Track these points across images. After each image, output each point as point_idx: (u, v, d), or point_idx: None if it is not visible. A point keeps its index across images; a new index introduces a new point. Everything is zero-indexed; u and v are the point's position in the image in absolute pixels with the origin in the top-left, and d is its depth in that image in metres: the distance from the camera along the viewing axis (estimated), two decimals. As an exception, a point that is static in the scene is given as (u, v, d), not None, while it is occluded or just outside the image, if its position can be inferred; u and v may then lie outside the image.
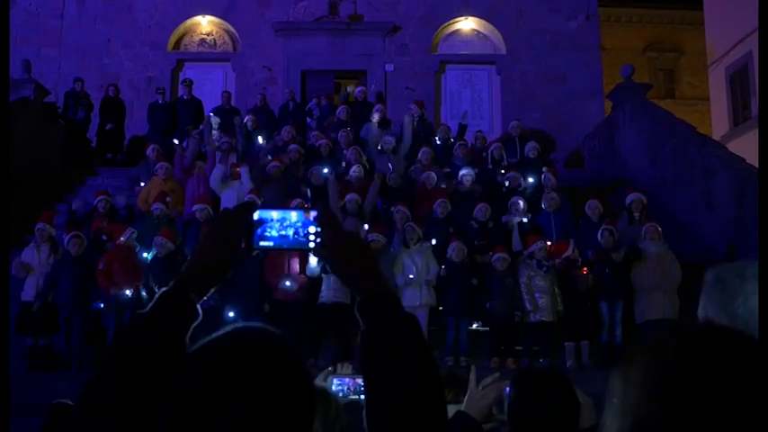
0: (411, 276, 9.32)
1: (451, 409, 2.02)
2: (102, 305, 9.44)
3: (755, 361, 0.95)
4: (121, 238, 9.65)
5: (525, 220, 10.61)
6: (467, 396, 2.45)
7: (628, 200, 10.66)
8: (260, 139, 13.14)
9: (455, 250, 9.45)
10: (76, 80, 15.51)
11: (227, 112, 14.76)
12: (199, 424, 1.08)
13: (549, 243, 9.72)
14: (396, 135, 13.25)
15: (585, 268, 9.47)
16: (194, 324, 1.32)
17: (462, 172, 11.66)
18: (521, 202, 10.75)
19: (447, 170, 12.44)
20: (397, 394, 1.24)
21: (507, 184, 11.65)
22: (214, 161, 11.91)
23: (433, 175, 11.53)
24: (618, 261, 9.36)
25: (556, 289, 9.39)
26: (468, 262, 9.57)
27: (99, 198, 10.96)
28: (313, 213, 1.44)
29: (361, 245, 1.44)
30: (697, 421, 0.92)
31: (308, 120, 14.97)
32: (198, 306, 1.33)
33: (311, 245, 1.44)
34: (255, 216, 1.43)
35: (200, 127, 13.83)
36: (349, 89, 15.75)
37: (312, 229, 1.43)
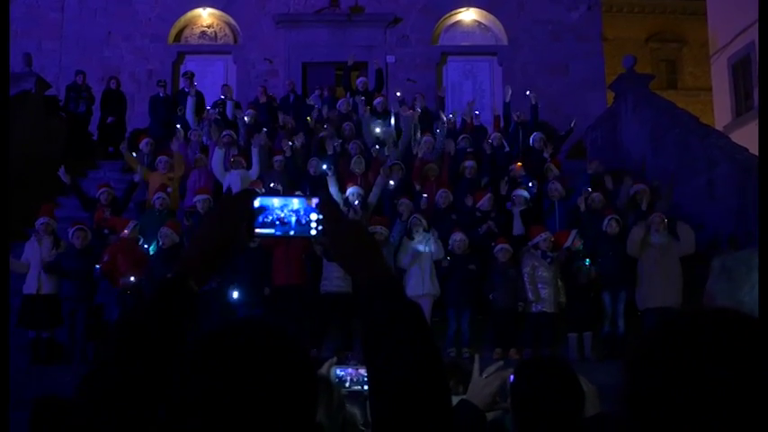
0: (420, 247, 9.40)
1: (453, 400, 2.01)
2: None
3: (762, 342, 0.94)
4: (125, 231, 9.64)
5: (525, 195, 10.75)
6: (470, 384, 2.44)
7: (632, 190, 10.66)
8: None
9: (457, 242, 9.46)
10: (78, 73, 15.47)
11: (225, 106, 14.73)
12: (200, 414, 1.07)
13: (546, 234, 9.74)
14: (394, 127, 13.29)
15: (588, 259, 9.46)
16: (194, 311, 1.30)
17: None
18: (523, 194, 10.78)
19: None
20: (400, 382, 1.22)
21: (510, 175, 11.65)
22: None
23: (435, 167, 11.60)
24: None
25: (559, 281, 9.38)
26: (470, 253, 9.57)
27: (101, 190, 10.93)
28: (315, 200, 1.42)
29: (363, 232, 1.42)
30: (706, 402, 0.91)
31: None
32: (197, 293, 1.32)
33: (313, 232, 1.42)
34: (256, 203, 1.41)
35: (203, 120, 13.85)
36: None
37: (314, 216, 1.41)
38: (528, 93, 14.35)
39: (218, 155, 11.70)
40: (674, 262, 9.32)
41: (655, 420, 0.96)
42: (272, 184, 11.05)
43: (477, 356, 2.60)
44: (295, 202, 1.42)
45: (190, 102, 14.12)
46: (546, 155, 12.28)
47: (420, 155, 11.97)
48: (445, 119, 13.56)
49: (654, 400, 0.96)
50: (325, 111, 14.00)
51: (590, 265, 9.41)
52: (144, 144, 12.93)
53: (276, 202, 1.42)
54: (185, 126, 13.65)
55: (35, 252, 9.49)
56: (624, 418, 1.01)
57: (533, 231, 9.64)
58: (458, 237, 9.52)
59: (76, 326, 9.26)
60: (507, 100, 14.23)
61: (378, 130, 13.15)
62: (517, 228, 10.35)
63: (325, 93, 15.29)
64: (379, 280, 1.33)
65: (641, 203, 10.38)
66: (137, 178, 11.36)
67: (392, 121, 13.64)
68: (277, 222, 1.42)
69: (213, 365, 1.08)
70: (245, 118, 13.68)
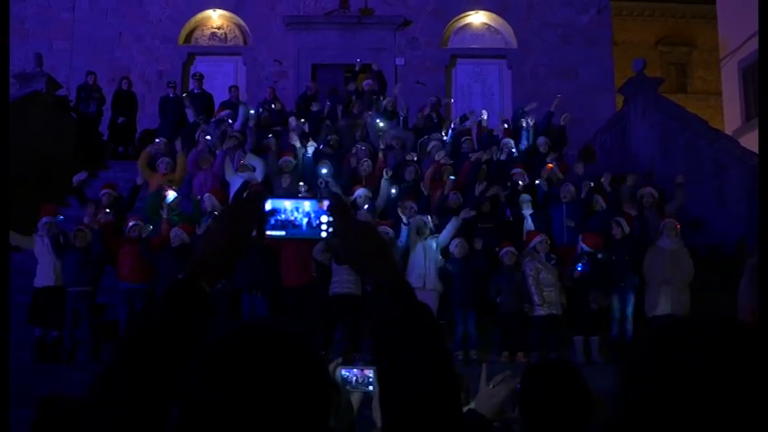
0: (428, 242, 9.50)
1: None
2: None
3: (753, 348, 0.95)
4: (128, 229, 9.65)
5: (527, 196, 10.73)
6: (478, 394, 2.43)
7: (638, 194, 10.64)
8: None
9: (457, 246, 9.55)
10: (89, 73, 15.53)
11: (234, 107, 14.72)
12: (214, 417, 1.07)
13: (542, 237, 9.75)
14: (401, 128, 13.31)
15: (580, 264, 9.50)
16: (206, 312, 1.30)
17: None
18: (527, 198, 10.80)
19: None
20: (410, 385, 1.21)
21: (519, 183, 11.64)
22: (223, 155, 11.99)
23: (450, 168, 11.65)
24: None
25: (558, 282, 9.42)
26: (472, 254, 9.61)
27: (103, 191, 10.89)
28: (326, 202, 1.43)
29: (373, 234, 1.41)
30: (694, 409, 0.91)
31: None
32: (209, 294, 1.31)
33: (323, 234, 1.42)
34: (268, 206, 1.41)
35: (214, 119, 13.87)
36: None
37: (324, 219, 1.42)
38: (558, 96, 14.24)
39: (226, 161, 11.71)
40: (684, 268, 9.26)
41: (645, 426, 0.96)
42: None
43: (484, 365, 2.58)
44: (306, 205, 1.43)
45: (190, 114, 14.10)
46: (550, 159, 12.25)
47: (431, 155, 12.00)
48: (453, 125, 13.56)
49: (644, 407, 0.96)
50: (339, 112, 13.97)
51: (581, 270, 9.40)
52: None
53: (287, 204, 1.43)
54: (193, 127, 13.64)
55: (43, 250, 9.52)
56: (617, 424, 1.01)
57: (530, 236, 9.69)
58: (456, 241, 9.62)
59: (79, 324, 9.26)
60: (527, 108, 14.09)
61: (381, 125, 13.16)
62: (529, 225, 10.42)
63: (333, 95, 15.24)
64: (390, 281, 1.33)
65: (651, 207, 10.36)
66: (139, 180, 11.37)
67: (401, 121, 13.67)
68: (288, 224, 1.42)
69: (226, 369, 1.09)
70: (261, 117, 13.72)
